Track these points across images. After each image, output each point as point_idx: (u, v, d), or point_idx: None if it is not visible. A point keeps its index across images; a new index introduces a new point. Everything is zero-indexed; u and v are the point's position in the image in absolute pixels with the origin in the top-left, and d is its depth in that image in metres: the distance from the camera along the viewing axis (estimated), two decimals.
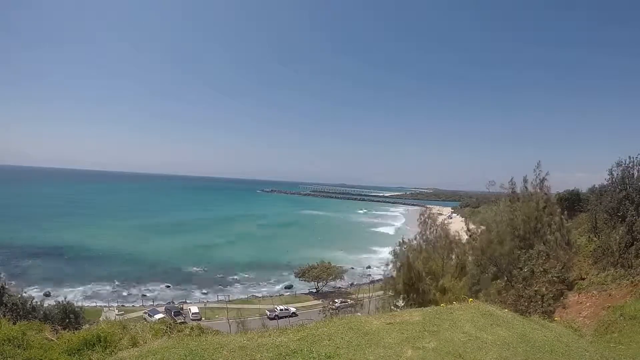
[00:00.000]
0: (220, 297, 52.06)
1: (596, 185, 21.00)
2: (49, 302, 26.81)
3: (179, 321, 33.83)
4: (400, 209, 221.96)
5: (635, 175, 15.32)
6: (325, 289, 59.00)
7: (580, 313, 11.93)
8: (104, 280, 57.65)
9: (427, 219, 18.16)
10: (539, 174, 14.76)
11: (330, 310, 38.12)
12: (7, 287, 19.56)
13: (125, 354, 5.26)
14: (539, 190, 14.64)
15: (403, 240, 18.36)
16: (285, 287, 61.34)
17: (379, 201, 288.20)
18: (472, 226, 18.15)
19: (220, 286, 59.51)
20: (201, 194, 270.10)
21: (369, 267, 73.83)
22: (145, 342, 6.78)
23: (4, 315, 8.81)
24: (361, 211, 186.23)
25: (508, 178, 15.61)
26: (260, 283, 63.27)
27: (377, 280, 58.03)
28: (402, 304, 16.38)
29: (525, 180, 14.99)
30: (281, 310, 46.55)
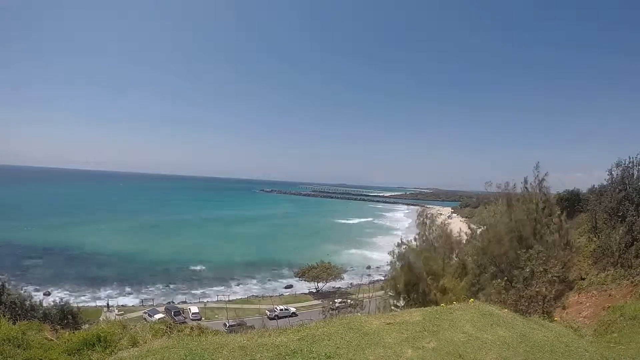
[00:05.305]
0: (220, 297, 52.07)
1: (596, 186, 21.04)
2: (48, 302, 26.73)
3: (179, 321, 33.86)
4: (401, 210, 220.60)
5: (635, 176, 15.34)
6: (325, 288, 59.01)
7: (580, 313, 11.94)
8: (104, 279, 57.67)
9: (425, 219, 18.11)
10: (537, 175, 14.78)
11: (330, 310, 38.11)
12: (7, 286, 19.52)
13: (125, 354, 5.27)
14: (538, 191, 14.64)
15: (402, 241, 18.30)
16: (285, 287, 61.34)
17: (378, 201, 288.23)
18: (472, 226, 18.12)
19: (220, 286, 59.54)
20: (200, 194, 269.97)
21: (368, 267, 73.95)
22: (145, 342, 6.77)
23: (4, 315, 8.79)
24: (355, 220, 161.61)
25: (507, 178, 15.63)
26: (260, 283, 63.30)
27: (377, 280, 58.17)
28: (403, 304, 16.34)
29: (525, 181, 14.99)
30: (281, 310, 46.52)
